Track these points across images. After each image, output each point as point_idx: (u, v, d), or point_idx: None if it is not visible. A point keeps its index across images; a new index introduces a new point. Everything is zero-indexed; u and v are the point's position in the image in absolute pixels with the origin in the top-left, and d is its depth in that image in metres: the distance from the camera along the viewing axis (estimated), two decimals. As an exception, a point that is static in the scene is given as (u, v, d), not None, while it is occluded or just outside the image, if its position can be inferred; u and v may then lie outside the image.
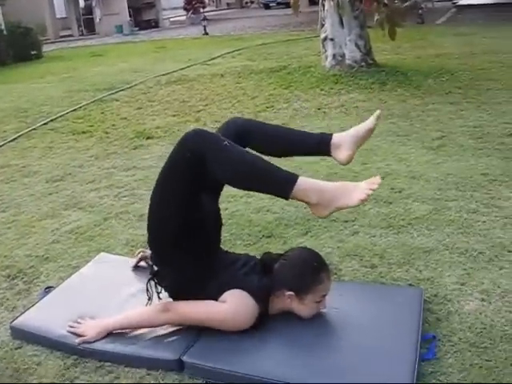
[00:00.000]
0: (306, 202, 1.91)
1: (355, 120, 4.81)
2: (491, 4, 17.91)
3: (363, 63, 7.69)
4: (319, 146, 2.21)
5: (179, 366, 1.96)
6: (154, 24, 24.36)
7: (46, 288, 2.55)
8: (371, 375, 1.80)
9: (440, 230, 2.93)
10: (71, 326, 2.16)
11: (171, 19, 26.74)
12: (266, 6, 30.24)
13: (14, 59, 13.43)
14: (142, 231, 3.18)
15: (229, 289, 2.06)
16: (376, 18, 7.64)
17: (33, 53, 14.01)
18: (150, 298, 2.19)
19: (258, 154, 2.04)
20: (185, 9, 25.33)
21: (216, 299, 2.07)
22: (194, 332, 2.08)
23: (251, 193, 3.67)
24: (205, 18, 18.06)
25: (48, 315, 2.28)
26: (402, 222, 3.07)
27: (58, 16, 23.34)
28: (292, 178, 1.88)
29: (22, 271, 2.80)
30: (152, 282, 2.20)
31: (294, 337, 2.05)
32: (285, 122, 5.45)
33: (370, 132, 2.22)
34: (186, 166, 1.94)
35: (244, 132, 2.22)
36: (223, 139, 1.93)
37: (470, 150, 4.19)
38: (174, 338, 2.08)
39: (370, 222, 3.11)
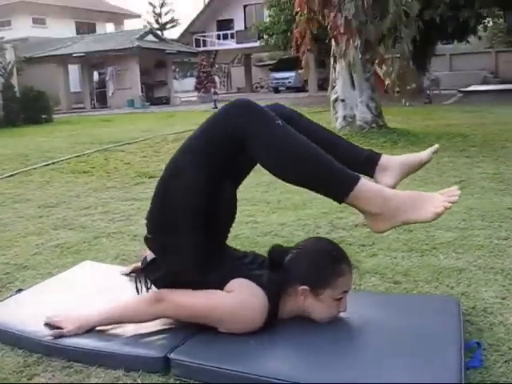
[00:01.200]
0: (363, 212, 1.61)
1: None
2: (495, 90, 18.27)
3: (374, 125, 7.58)
4: (365, 162, 1.84)
5: (164, 365, 1.59)
6: (165, 101, 24.88)
7: (18, 290, 2.20)
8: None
9: (469, 254, 2.60)
10: (48, 318, 1.80)
11: (182, 99, 27.40)
12: (276, 90, 30.98)
13: (25, 121, 13.51)
14: (134, 247, 2.88)
15: (235, 277, 1.72)
16: (387, 82, 7.64)
17: (43, 116, 14.12)
18: (138, 292, 1.86)
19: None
20: (196, 88, 25.97)
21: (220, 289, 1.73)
22: (189, 331, 1.72)
23: (258, 218, 3.37)
24: (216, 93, 18.41)
25: (13, 312, 1.94)
26: (425, 247, 2.74)
27: (72, 90, 23.93)
28: (353, 178, 1.57)
29: (-4, 277, 2.47)
30: (142, 276, 1.87)
31: (307, 340, 1.68)
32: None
33: (422, 164, 1.87)
34: (223, 141, 1.62)
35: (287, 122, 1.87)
36: (275, 117, 1.63)
37: (492, 191, 3.91)
38: (162, 335, 1.72)
39: (389, 246, 2.79)
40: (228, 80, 36.37)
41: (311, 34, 7.61)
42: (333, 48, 7.80)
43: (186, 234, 1.71)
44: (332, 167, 1.58)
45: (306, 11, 7.20)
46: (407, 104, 13.65)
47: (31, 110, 13.82)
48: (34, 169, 5.78)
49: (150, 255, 1.83)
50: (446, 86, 19.90)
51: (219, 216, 1.79)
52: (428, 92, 15.15)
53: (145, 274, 1.87)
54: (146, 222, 1.81)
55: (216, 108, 17.37)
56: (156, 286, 1.85)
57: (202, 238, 1.73)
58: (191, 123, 10.88)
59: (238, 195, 1.89)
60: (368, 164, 1.84)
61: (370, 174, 1.84)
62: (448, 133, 7.47)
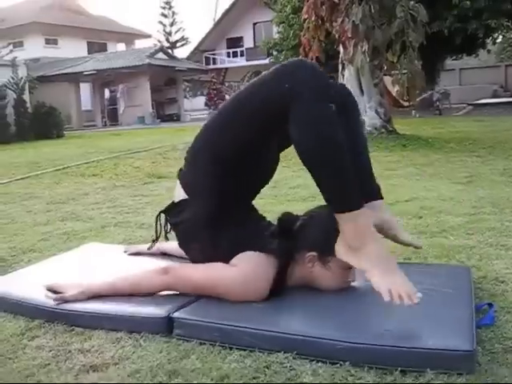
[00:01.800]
0: (343, 240, 1.57)
1: (377, 167, 4.54)
2: (505, 102, 18.19)
3: (383, 130, 7.57)
4: (370, 190, 1.86)
5: (167, 325, 1.56)
6: (175, 118, 25.04)
7: (23, 267, 2.19)
8: (424, 340, 1.39)
9: (480, 234, 2.55)
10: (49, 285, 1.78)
11: (192, 117, 27.56)
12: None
13: (36, 136, 13.62)
14: (141, 233, 2.86)
15: (243, 250, 1.69)
16: (396, 89, 7.63)
17: (54, 132, 14.24)
18: (156, 238, 1.87)
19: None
20: (206, 105, 26.16)
21: (226, 260, 1.70)
22: (192, 296, 1.69)
23: (265, 208, 3.34)
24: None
25: (16, 282, 1.93)
26: (435, 229, 2.70)
27: (83, 108, 24.16)
28: (358, 204, 1.52)
29: (3, 258, 2.46)
30: (162, 216, 1.85)
31: (314, 302, 1.65)
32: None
33: (397, 239, 1.87)
34: (277, 96, 1.53)
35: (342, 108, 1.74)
36: (330, 96, 1.53)
37: (502, 183, 3.86)
38: (165, 298, 1.69)
39: (398, 230, 2.74)
40: (238, 98, 36.55)
41: (319, 42, 7.64)
42: (341, 55, 7.83)
43: (219, 178, 1.69)
44: (349, 180, 1.53)
45: (313, 18, 7.23)
46: (417, 115, 13.65)
47: (43, 125, 13.96)
48: (44, 173, 5.80)
49: (177, 197, 1.80)
50: (456, 100, 19.85)
51: (256, 171, 1.79)
52: (438, 104, 15.12)
53: (167, 215, 1.84)
54: (185, 155, 1.81)
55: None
56: (175, 230, 1.83)
57: (232, 187, 1.71)
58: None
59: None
60: (367, 194, 1.78)
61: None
62: (458, 138, 7.44)
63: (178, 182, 1.82)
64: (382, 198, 1.90)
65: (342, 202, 1.53)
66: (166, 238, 1.88)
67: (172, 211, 1.82)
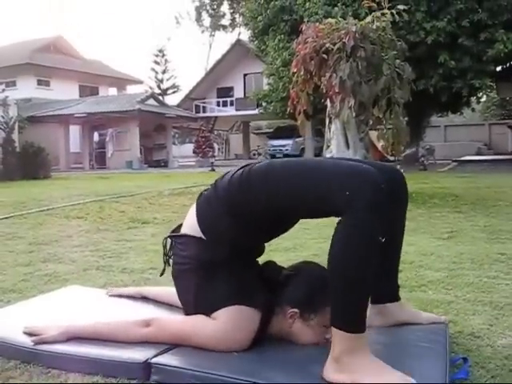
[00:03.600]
0: (335, 354, 1.50)
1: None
2: (489, 160, 18.60)
3: (368, 183, 7.66)
4: (381, 295, 1.89)
5: (144, 371, 1.56)
6: (163, 164, 25.18)
7: (2, 307, 2.18)
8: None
9: (458, 289, 2.59)
10: (27, 328, 1.77)
11: (180, 163, 27.72)
12: (273, 157, 31.49)
13: (23, 176, 13.59)
14: (122, 277, 2.86)
15: (230, 302, 1.68)
16: (381, 144, 7.80)
17: (41, 172, 14.23)
18: (164, 263, 1.87)
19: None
20: (194, 152, 26.35)
21: (210, 309, 1.71)
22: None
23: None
24: (213, 156, 18.69)
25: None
26: (414, 284, 2.73)
27: (72, 150, 24.22)
28: (361, 328, 1.50)
29: (-20, 299, 2.44)
30: (169, 241, 1.86)
31: (292, 350, 1.67)
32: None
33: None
34: (329, 200, 1.53)
35: (396, 199, 1.79)
36: (384, 230, 1.52)
37: (482, 239, 3.93)
38: (144, 344, 1.69)
39: (378, 282, 2.77)
40: (226, 146, 36.96)
41: (307, 95, 7.83)
42: (328, 109, 8.01)
43: (235, 230, 1.71)
44: (364, 306, 1.52)
45: (302, 72, 7.42)
46: (402, 170, 13.84)
47: (30, 165, 13.97)
48: (29, 213, 5.78)
49: (188, 226, 1.81)
50: (441, 157, 20.28)
51: (269, 233, 1.85)
52: (423, 160, 15.41)
53: (172, 240, 1.85)
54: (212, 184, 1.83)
55: (214, 170, 17.57)
56: (173, 264, 1.84)
57: (243, 242, 1.75)
58: (188, 182, 11.03)
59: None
60: (381, 299, 1.88)
61: (376, 302, 1.87)
62: (441, 193, 7.56)
63: (194, 208, 1.81)
64: (396, 300, 1.93)
65: (348, 324, 1.49)
66: (168, 264, 1.87)
67: (178, 241, 1.82)
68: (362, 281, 1.49)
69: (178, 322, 1.77)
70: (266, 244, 1.95)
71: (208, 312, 1.70)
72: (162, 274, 1.89)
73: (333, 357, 1.50)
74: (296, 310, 1.71)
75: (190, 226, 1.79)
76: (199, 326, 1.69)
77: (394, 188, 1.73)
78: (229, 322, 1.65)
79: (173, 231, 1.88)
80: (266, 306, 1.72)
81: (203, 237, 1.73)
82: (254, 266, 1.85)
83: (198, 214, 1.77)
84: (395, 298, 1.93)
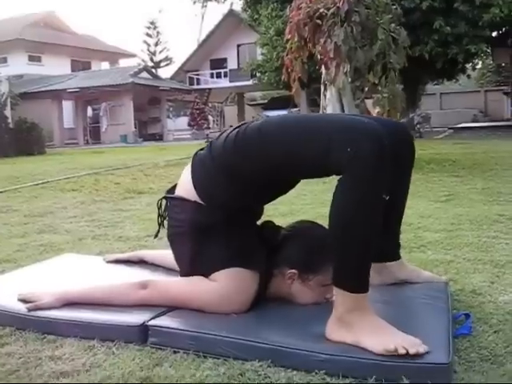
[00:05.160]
0: (337, 313, 1.47)
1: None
2: (485, 127, 18.52)
3: (364, 150, 7.61)
4: (382, 253, 1.79)
5: (142, 334, 1.53)
6: (158, 137, 25.03)
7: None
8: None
9: (458, 249, 2.57)
10: (21, 295, 1.74)
11: (175, 136, 27.55)
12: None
13: (17, 153, 13.48)
14: (118, 245, 2.83)
15: (228, 264, 1.64)
16: (377, 110, 7.73)
17: (35, 148, 14.12)
18: (159, 224, 1.82)
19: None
20: (189, 125, 26.19)
21: (208, 271, 1.67)
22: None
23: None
24: (208, 128, 18.58)
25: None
26: (413, 245, 2.71)
27: (66, 126, 24.01)
28: (365, 288, 1.45)
29: (-26, 269, 2.41)
30: (164, 201, 1.81)
31: (291, 312, 1.64)
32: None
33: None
34: (329, 157, 1.45)
35: (401, 155, 1.71)
36: (387, 188, 1.45)
37: (480, 202, 3.90)
38: (141, 307, 1.66)
39: (377, 245, 2.75)
40: (221, 119, 36.70)
41: (302, 63, 7.71)
42: (323, 75, 7.90)
43: (232, 194, 1.66)
44: (367, 264, 1.46)
45: (296, 39, 7.30)
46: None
47: (24, 141, 13.86)
48: (23, 187, 5.73)
49: (181, 188, 1.76)
50: (437, 125, 20.19)
51: (269, 195, 1.79)
52: (419, 127, 15.34)
53: (168, 201, 1.80)
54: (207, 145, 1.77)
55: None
56: (169, 222, 1.78)
57: (240, 205, 1.70)
58: (183, 154, 10.95)
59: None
60: (382, 258, 1.82)
61: (376, 261, 1.73)
62: (438, 159, 7.52)
63: (189, 169, 1.74)
64: (397, 259, 1.88)
65: (352, 284, 1.45)
66: (163, 225, 1.82)
67: (173, 202, 1.77)
68: (364, 239, 1.44)
69: (175, 284, 1.74)
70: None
71: (206, 274, 1.67)
72: (156, 236, 1.84)
73: (336, 316, 1.46)
74: (294, 270, 1.68)
75: (185, 188, 1.73)
76: (198, 289, 1.66)
77: (398, 144, 1.67)
78: (228, 284, 1.62)
79: (168, 191, 1.83)
80: (264, 268, 1.69)
81: (199, 200, 1.68)
82: (252, 229, 1.80)
83: (193, 177, 1.71)
84: (396, 256, 1.89)
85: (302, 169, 1.59)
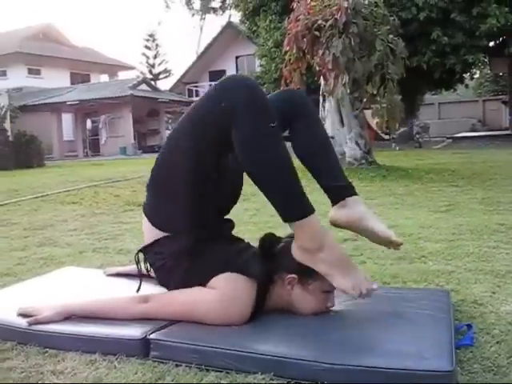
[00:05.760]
0: (298, 241, 1.60)
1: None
2: (483, 136, 18.56)
3: (363, 161, 7.64)
4: (335, 191, 1.79)
5: (143, 348, 1.53)
6: (157, 149, 24.97)
7: (-3, 290, 2.14)
8: (403, 360, 1.37)
9: (459, 259, 2.57)
10: (21, 309, 1.74)
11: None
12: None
13: (16, 166, 13.48)
14: (119, 258, 2.83)
15: (221, 271, 1.66)
16: (376, 121, 7.76)
17: (35, 161, 14.13)
18: (140, 278, 1.80)
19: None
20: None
21: (204, 282, 1.67)
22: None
23: (245, 235, 3.34)
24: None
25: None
26: (414, 255, 2.71)
27: (65, 139, 24.04)
28: (310, 209, 1.55)
29: (-25, 283, 2.40)
30: (141, 255, 1.80)
31: (293, 326, 1.63)
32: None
33: (378, 238, 1.77)
34: (216, 114, 1.56)
35: (292, 113, 1.80)
36: (271, 118, 1.54)
37: (480, 211, 3.91)
38: (142, 320, 1.66)
39: (377, 255, 2.74)
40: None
41: (300, 74, 7.75)
42: (321, 87, 7.94)
43: (183, 199, 1.67)
44: (295, 192, 1.55)
45: (294, 50, 7.34)
46: (397, 148, 13.83)
47: (23, 154, 13.88)
48: (23, 200, 5.73)
49: (148, 236, 1.76)
50: (435, 134, 20.20)
51: (221, 191, 1.76)
52: (418, 137, 15.37)
53: (145, 253, 1.79)
54: (145, 190, 1.79)
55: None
56: (153, 268, 1.79)
57: (198, 206, 1.68)
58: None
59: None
60: (336, 194, 1.79)
61: (332, 202, 1.80)
62: (437, 169, 7.54)
63: (145, 220, 1.77)
64: (353, 195, 1.80)
65: (290, 212, 1.56)
66: (149, 276, 1.83)
67: (149, 251, 1.77)
68: (275, 166, 1.54)
69: (176, 297, 1.73)
70: (264, 222, 1.92)
71: (203, 283, 1.67)
72: (138, 290, 1.80)
73: (297, 243, 1.60)
74: (294, 275, 1.67)
75: (150, 233, 1.75)
76: (199, 298, 1.65)
77: (294, 105, 1.80)
78: (226, 291, 1.62)
79: (139, 251, 1.82)
80: (262, 277, 1.69)
81: (166, 234, 1.71)
82: (230, 239, 1.86)
83: (150, 219, 1.75)
84: (351, 193, 1.80)
85: (211, 147, 1.61)
